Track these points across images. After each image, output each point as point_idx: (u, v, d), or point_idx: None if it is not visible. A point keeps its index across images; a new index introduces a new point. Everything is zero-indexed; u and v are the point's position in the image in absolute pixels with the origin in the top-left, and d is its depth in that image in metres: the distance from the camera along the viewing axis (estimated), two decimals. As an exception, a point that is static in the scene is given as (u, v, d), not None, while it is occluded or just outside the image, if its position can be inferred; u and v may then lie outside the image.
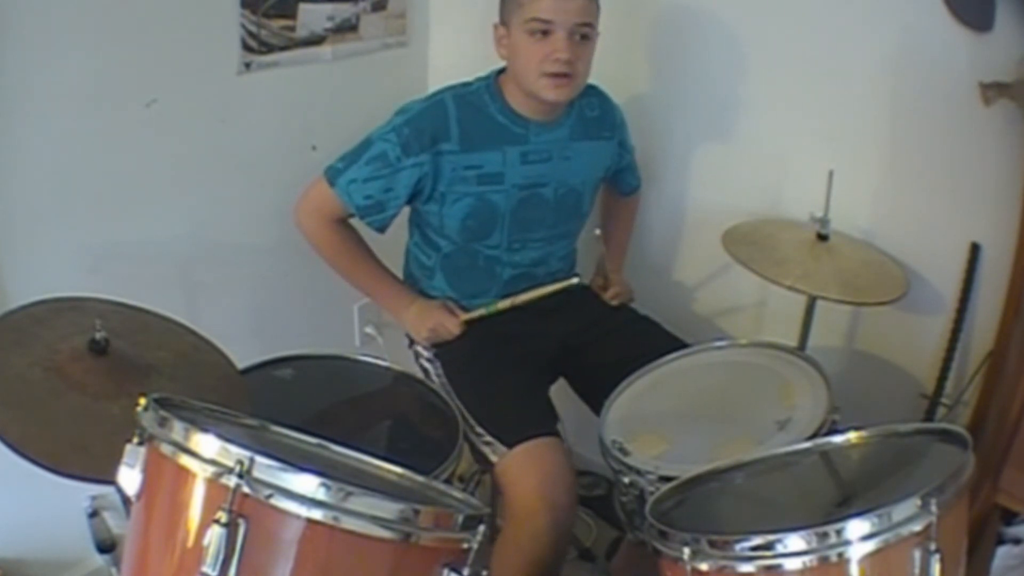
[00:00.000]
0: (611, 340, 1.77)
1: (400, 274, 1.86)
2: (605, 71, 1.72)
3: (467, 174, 1.64)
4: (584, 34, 1.58)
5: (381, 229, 1.69)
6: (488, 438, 1.57)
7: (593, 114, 1.77)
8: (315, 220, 1.70)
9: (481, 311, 1.72)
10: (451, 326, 1.71)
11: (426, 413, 1.63)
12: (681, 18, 1.97)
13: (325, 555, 0.97)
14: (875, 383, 1.87)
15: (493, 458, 1.56)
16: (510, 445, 1.53)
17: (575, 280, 1.70)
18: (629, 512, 1.42)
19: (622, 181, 1.95)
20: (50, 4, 1.56)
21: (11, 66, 1.55)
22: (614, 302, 1.84)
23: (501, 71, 1.70)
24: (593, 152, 1.78)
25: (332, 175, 1.65)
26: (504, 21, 1.63)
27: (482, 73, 1.72)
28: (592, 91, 1.76)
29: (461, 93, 1.67)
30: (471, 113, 1.65)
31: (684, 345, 1.72)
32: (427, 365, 1.78)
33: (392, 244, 1.83)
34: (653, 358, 1.61)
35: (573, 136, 1.73)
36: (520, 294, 1.71)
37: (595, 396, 1.63)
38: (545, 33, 1.55)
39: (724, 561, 1.03)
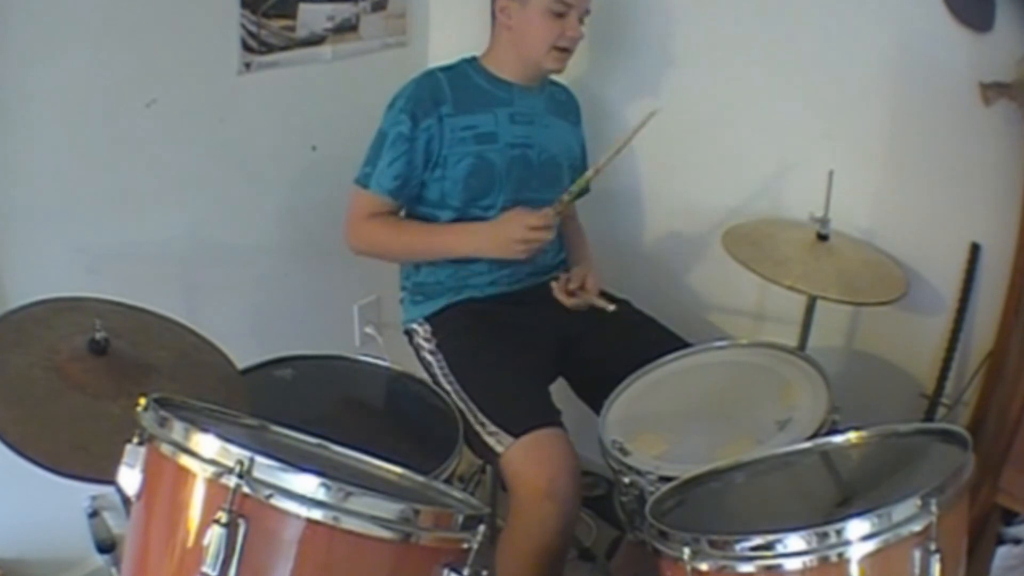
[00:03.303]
0: (609, 333, 1.77)
1: (400, 279, 1.88)
2: (606, 68, 1.72)
3: (464, 135, 1.73)
4: (584, 16, 1.76)
5: (413, 202, 1.77)
6: (493, 428, 1.57)
7: (561, 98, 1.93)
8: (360, 223, 1.75)
9: (564, 196, 1.65)
10: (534, 220, 1.63)
11: (426, 413, 1.63)
12: (682, 18, 1.97)
13: (325, 555, 0.97)
14: (875, 383, 1.87)
15: (499, 448, 1.56)
16: (516, 435, 1.54)
17: None
18: (629, 512, 1.41)
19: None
20: (50, 4, 1.56)
21: (11, 66, 1.54)
22: (604, 306, 1.77)
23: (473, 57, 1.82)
24: (564, 131, 1.90)
25: (364, 179, 1.73)
26: None
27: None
28: (557, 83, 1.92)
29: (446, 67, 1.80)
30: (460, 80, 1.77)
31: (679, 340, 1.74)
32: (429, 358, 1.77)
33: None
34: (650, 352, 1.62)
35: (548, 109, 1.87)
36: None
37: (594, 392, 1.64)
38: (562, 14, 1.71)
39: (724, 561, 1.03)
